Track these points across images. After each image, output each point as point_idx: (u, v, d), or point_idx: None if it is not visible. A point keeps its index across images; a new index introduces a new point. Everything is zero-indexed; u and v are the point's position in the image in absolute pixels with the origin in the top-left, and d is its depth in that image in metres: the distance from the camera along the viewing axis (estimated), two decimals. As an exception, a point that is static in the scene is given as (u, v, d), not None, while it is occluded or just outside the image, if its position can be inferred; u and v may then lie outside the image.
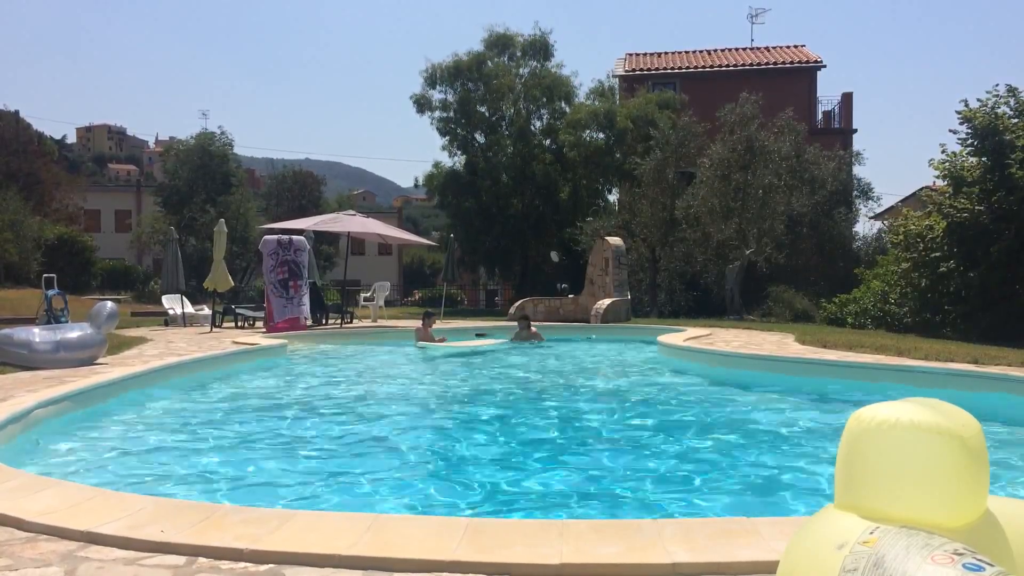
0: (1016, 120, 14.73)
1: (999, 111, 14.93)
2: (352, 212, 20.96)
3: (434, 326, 14.14)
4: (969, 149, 15.32)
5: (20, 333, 9.14)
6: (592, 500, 4.61)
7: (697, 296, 23.40)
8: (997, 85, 15.19)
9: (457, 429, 7.17)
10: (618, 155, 27.51)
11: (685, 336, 13.30)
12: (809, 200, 23.19)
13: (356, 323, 18.66)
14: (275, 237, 16.11)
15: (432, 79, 30.18)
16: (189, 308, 18.53)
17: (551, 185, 29.29)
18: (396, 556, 2.88)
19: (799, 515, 3.74)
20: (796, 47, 33.34)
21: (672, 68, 32.39)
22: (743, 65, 31.70)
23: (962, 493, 1.73)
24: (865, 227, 52.04)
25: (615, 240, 19.35)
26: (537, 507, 4.47)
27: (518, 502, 4.57)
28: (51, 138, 72.39)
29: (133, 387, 7.84)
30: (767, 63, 31.64)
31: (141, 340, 12.64)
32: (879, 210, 27.54)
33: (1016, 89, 15.04)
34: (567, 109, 29.87)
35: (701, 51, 34.47)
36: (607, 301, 17.93)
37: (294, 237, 16.33)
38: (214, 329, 15.99)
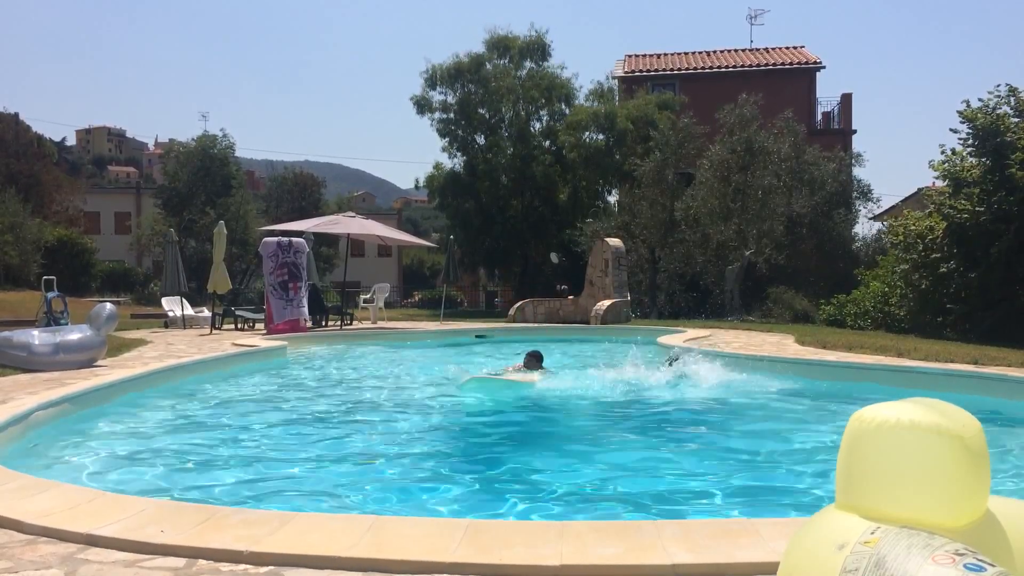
0: (1017, 120, 14.72)
1: (1000, 111, 14.93)
2: (352, 214, 20.96)
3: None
4: (969, 150, 15.32)
5: (20, 335, 9.13)
6: (591, 501, 4.61)
7: (697, 297, 23.39)
8: (998, 85, 15.19)
9: (455, 429, 7.17)
10: (618, 156, 27.52)
11: (685, 337, 13.30)
12: (809, 201, 23.20)
13: (356, 325, 18.66)
14: (275, 239, 16.11)
15: (432, 80, 30.22)
16: (189, 310, 18.53)
17: (551, 186, 29.32)
18: (396, 557, 2.88)
19: (799, 515, 3.74)
20: (795, 48, 33.37)
21: (671, 69, 32.41)
22: (742, 66, 31.73)
23: (963, 493, 1.73)
24: (865, 228, 52.12)
25: (615, 241, 19.35)
26: (536, 508, 4.47)
27: (516, 503, 4.56)
28: (51, 140, 72.41)
29: (133, 389, 7.84)
30: (766, 64, 31.67)
31: (141, 342, 12.63)
32: (879, 211, 27.57)
33: (1017, 89, 15.03)
34: (567, 110, 29.90)
35: (700, 52, 34.51)
36: (607, 302, 17.93)
37: (294, 239, 16.33)
38: (214, 331, 15.99)
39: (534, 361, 9.56)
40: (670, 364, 9.43)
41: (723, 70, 31.74)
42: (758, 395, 8.52)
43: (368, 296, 22.23)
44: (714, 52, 34.37)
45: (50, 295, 12.56)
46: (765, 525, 3.20)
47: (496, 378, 8.68)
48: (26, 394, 6.79)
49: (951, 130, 15.56)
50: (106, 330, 9.59)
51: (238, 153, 39.57)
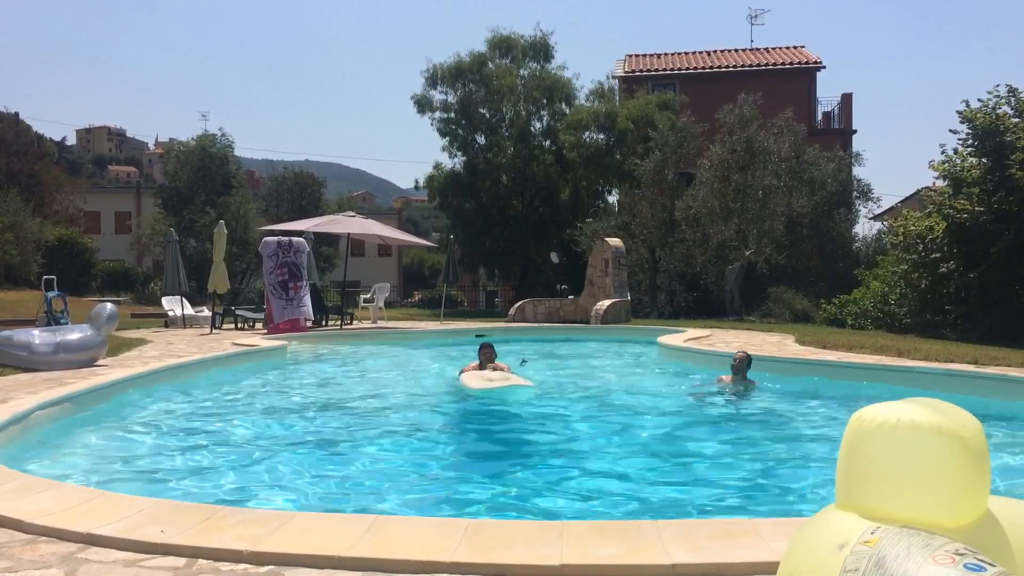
0: (1017, 120, 14.73)
1: (1000, 111, 14.94)
2: (352, 213, 20.95)
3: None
4: (969, 150, 15.33)
5: (20, 335, 9.14)
6: (591, 501, 4.61)
7: (697, 297, 23.39)
8: (998, 85, 15.20)
9: (453, 429, 7.17)
10: (618, 156, 27.52)
11: (685, 337, 13.30)
12: (809, 201, 23.21)
13: (356, 324, 18.66)
14: (275, 239, 16.11)
15: (433, 79, 30.20)
16: (189, 310, 18.53)
17: (551, 186, 29.30)
18: (396, 557, 2.88)
19: (799, 515, 3.74)
20: (796, 48, 33.35)
21: (672, 69, 32.39)
22: (743, 66, 31.71)
23: (963, 493, 1.73)
24: (865, 228, 52.13)
25: (615, 241, 19.35)
26: (536, 508, 4.47)
27: (517, 503, 4.56)
28: (51, 140, 72.40)
29: (133, 389, 7.84)
30: (767, 64, 31.65)
31: (141, 342, 12.63)
32: (879, 211, 27.58)
33: (1017, 89, 15.05)
34: (567, 110, 29.89)
35: (701, 52, 34.48)
36: (607, 302, 17.93)
37: (294, 239, 16.33)
38: (214, 331, 15.99)
39: (487, 354, 9.03)
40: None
41: (723, 70, 31.71)
42: (758, 395, 8.51)
43: (368, 296, 22.23)
44: (714, 52, 34.34)
45: (50, 294, 12.55)
46: (765, 525, 3.20)
47: (489, 387, 8.30)
48: (26, 393, 6.80)
49: (951, 131, 15.58)
50: (106, 330, 9.60)
51: (238, 152, 39.53)
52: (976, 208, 14.39)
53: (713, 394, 8.57)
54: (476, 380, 8.46)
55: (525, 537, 3.09)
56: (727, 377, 8.62)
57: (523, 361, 11.09)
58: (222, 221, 18.29)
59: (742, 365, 8.49)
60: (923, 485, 1.71)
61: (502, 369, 8.99)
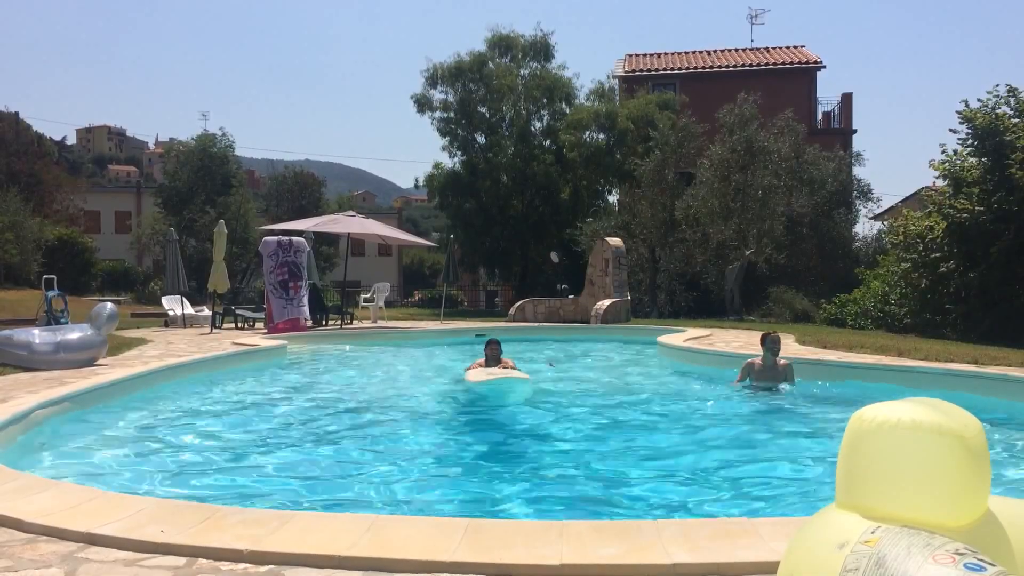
0: (1017, 120, 14.75)
1: (999, 111, 14.95)
2: (352, 213, 20.94)
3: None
4: (969, 149, 15.34)
5: (20, 334, 9.14)
6: (591, 501, 4.61)
7: (697, 297, 23.41)
8: (997, 85, 15.22)
9: (453, 428, 7.17)
10: (618, 156, 27.53)
11: (685, 337, 13.30)
12: (809, 201, 23.22)
13: (356, 324, 18.66)
14: (275, 238, 16.11)
15: (433, 79, 30.21)
16: (189, 309, 18.53)
17: (551, 186, 29.32)
18: (396, 557, 2.88)
19: (799, 515, 3.74)
20: (796, 48, 33.36)
21: (672, 69, 32.40)
22: (743, 66, 31.72)
23: (963, 493, 1.73)
24: (865, 228, 52.14)
25: (615, 241, 19.35)
26: (536, 508, 4.47)
27: (517, 503, 4.56)
28: (51, 139, 72.35)
29: (133, 388, 7.84)
30: (767, 64, 31.66)
31: (141, 341, 12.64)
32: (879, 211, 27.59)
33: (1016, 89, 15.06)
34: (567, 110, 29.90)
35: (701, 52, 34.49)
36: (607, 302, 17.93)
37: (294, 238, 16.33)
38: (214, 330, 15.99)
39: (493, 349, 9.00)
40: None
41: (723, 70, 31.72)
42: (757, 394, 8.51)
43: (368, 295, 22.22)
44: (714, 52, 34.35)
45: (50, 294, 12.54)
46: (765, 525, 3.20)
47: (492, 378, 8.38)
48: (27, 393, 6.80)
49: (950, 130, 15.60)
50: (107, 329, 9.59)
51: (238, 152, 39.50)
52: (976, 208, 14.40)
53: (720, 391, 8.56)
54: (478, 375, 8.50)
55: (525, 537, 3.09)
56: (758, 360, 8.53)
57: (550, 363, 11.14)
58: (222, 221, 18.29)
59: (775, 345, 8.38)
60: (923, 485, 1.71)
61: (509, 366, 8.97)
